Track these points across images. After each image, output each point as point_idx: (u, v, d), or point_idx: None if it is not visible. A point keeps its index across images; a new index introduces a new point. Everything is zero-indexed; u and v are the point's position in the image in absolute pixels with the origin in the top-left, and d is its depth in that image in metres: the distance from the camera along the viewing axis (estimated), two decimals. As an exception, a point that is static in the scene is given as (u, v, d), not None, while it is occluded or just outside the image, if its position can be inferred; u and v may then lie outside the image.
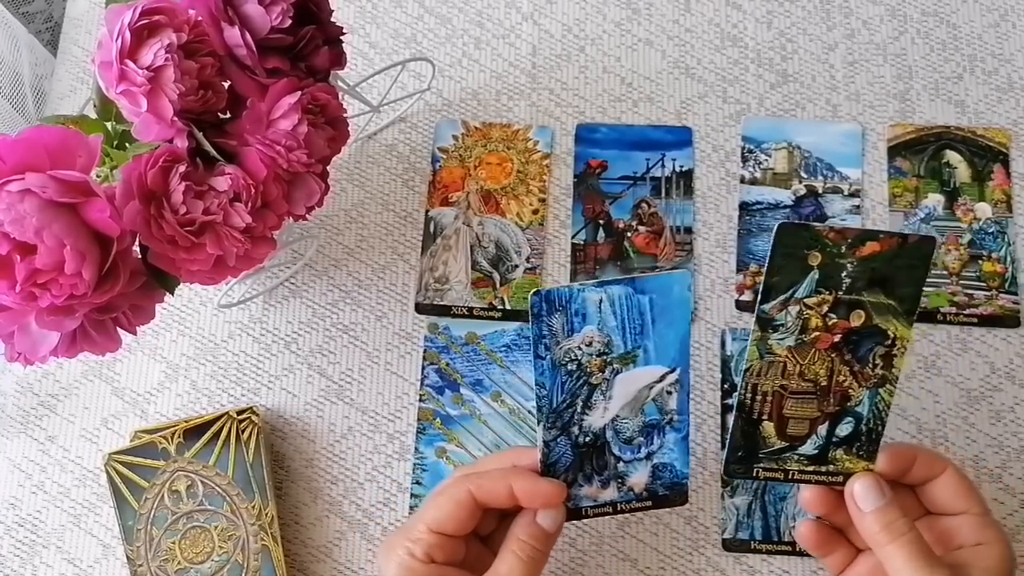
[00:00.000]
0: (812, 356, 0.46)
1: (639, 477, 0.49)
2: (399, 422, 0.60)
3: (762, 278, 0.45)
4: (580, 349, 0.46)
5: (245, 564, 0.54)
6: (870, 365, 0.46)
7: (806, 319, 0.45)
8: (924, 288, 0.45)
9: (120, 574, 0.57)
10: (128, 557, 0.55)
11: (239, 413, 0.57)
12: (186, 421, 0.57)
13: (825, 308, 0.45)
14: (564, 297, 0.45)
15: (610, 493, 0.49)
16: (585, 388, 0.47)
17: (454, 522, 0.46)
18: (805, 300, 0.45)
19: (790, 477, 0.48)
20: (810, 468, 0.48)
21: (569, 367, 0.46)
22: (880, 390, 0.47)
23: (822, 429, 0.47)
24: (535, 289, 0.45)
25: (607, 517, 0.57)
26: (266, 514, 0.55)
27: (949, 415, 0.59)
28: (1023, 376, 0.59)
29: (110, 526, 0.58)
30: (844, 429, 0.47)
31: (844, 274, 0.44)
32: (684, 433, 0.49)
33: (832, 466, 0.48)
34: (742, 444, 0.48)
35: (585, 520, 0.57)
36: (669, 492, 0.50)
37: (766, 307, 0.45)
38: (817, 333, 0.46)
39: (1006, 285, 0.61)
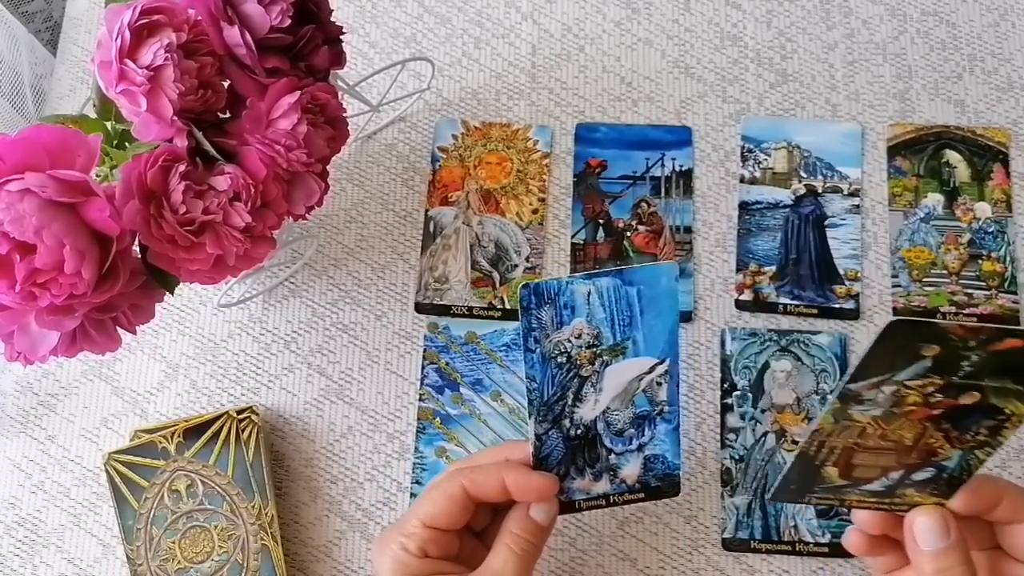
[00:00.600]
0: (900, 423, 0.41)
1: (631, 469, 0.49)
2: (399, 421, 0.60)
3: (854, 361, 0.39)
4: (570, 342, 0.46)
5: (245, 564, 0.55)
6: (971, 434, 0.41)
7: (902, 396, 0.40)
8: None
9: (120, 574, 0.57)
10: (128, 557, 0.55)
11: (239, 413, 0.57)
12: (186, 421, 0.57)
13: (931, 389, 0.39)
14: (553, 290, 0.44)
15: (603, 485, 0.49)
16: (575, 381, 0.47)
17: (447, 516, 0.46)
18: (906, 382, 0.39)
19: (846, 503, 0.45)
20: (871, 499, 0.44)
21: (559, 360, 0.46)
22: (976, 451, 0.41)
23: (895, 474, 0.43)
24: (524, 282, 0.45)
25: (603, 512, 0.57)
26: (266, 514, 0.55)
27: (949, 414, 0.58)
28: (1023, 375, 0.59)
29: (110, 526, 0.58)
30: (922, 475, 0.42)
31: (965, 363, 0.38)
32: (675, 424, 0.49)
33: (898, 499, 0.44)
34: (796, 481, 0.44)
35: (584, 519, 0.57)
36: (661, 483, 0.50)
37: (854, 386, 0.40)
38: (913, 408, 0.40)
39: (1006, 285, 0.61)
